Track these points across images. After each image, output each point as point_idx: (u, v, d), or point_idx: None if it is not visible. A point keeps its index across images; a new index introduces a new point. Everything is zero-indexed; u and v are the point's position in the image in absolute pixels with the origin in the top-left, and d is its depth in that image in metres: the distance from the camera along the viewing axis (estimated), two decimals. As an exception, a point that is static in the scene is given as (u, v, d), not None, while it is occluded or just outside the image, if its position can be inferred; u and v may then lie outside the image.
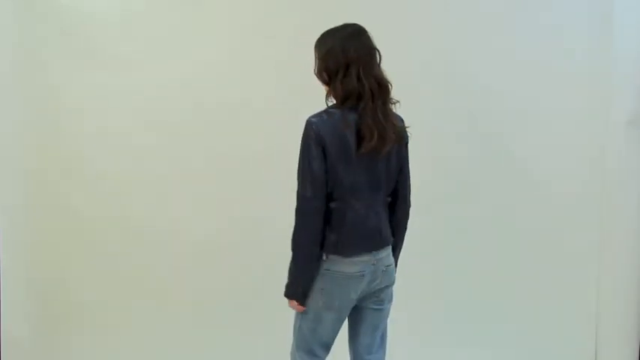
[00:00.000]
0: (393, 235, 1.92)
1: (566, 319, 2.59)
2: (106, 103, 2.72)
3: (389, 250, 1.90)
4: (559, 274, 2.58)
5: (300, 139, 1.75)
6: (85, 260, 2.80)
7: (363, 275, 1.82)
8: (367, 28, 2.46)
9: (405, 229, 1.97)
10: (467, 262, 2.60)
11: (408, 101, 2.54)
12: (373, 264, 1.84)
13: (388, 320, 1.98)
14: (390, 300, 1.97)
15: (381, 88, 1.79)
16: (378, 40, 2.54)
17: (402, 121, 1.87)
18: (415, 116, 2.51)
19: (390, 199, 1.89)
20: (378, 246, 1.85)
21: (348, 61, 1.76)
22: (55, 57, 2.73)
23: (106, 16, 2.69)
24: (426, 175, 2.56)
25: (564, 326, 2.59)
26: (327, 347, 1.92)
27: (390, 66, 2.51)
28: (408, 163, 1.91)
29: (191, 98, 2.67)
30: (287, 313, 1.90)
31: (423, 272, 2.59)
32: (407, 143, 1.89)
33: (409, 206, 1.95)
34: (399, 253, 2.01)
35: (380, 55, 1.82)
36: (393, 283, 1.94)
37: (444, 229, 2.59)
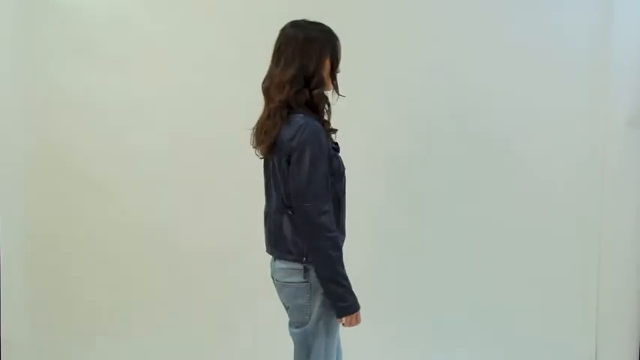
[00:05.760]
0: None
1: (566, 319, 2.59)
2: (105, 103, 2.72)
3: (283, 264, 1.71)
4: (559, 274, 2.58)
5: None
6: (85, 261, 2.79)
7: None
8: (367, 29, 2.43)
9: (307, 244, 1.64)
10: (466, 263, 2.60)
11: (408, 101, 2.56)
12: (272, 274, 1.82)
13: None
14: (296, 327, 1.71)
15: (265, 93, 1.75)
16: (378, 41, 2.54)
17: (291, 135, 1.63)
18: (415, 116, 2.54)
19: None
20: (273, 254, 1.78)
21: None
22: (55, 57, 2.73)
23: (106, 16, 2.69)
24: (425, 175, 2.58)
25: (564, 326, 2.59)
26: None
27: (391, 67, 2.52)
28: (290, 177, 1.64)
29: (191, 98, 2.67)
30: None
31: (422, 272, 2.59)
32: (288, 159, 1.64)
33: (300, 219, 1.63)
34: (320, 277, 1.63)
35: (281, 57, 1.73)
36: (294, 308, 1.71)
37: (443, 229, 2.59)
